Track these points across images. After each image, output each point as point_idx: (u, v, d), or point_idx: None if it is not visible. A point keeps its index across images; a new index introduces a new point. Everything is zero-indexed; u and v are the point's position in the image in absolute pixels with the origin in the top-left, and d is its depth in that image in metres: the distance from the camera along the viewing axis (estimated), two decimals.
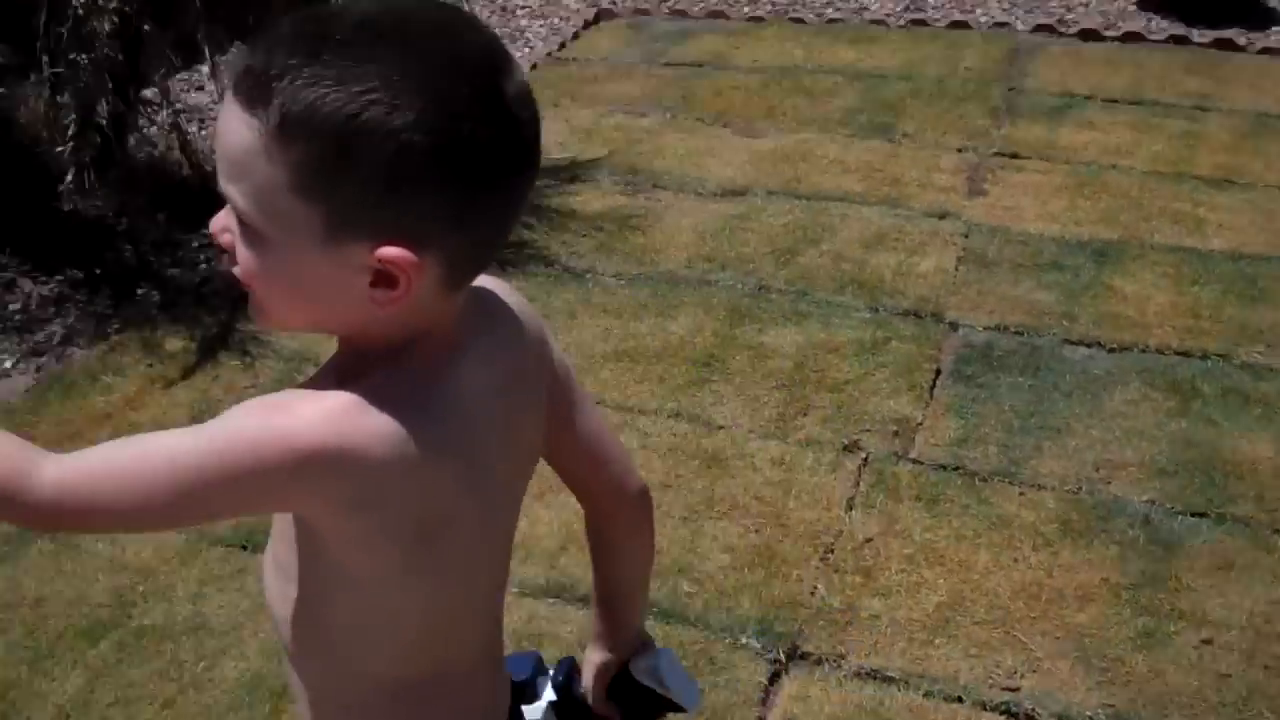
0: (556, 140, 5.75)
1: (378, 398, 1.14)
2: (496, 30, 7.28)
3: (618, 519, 1.57)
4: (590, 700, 1.67)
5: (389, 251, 1.11)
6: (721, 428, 3.75)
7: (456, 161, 1.09)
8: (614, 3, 7.73)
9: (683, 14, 7.53)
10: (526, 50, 7.08)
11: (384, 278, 1.12)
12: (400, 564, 1.22)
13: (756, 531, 3.33)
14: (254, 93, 1.07)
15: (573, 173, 5.43)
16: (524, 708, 1.63)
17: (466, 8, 6.97)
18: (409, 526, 1.20)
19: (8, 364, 4.20)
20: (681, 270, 4.62)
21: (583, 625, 3.03)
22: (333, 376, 1.19)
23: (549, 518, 3.38)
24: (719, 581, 3.16)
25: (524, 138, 1.14)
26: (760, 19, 7.41)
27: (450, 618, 1.33)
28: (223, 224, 1.17)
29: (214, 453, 1.12)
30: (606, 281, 4.57)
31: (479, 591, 1.38)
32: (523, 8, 7.74)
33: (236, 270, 1.17)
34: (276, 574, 1.31)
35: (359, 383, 1.15)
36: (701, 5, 7.63)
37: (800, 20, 7.36)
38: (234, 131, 1.09)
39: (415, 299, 1.14)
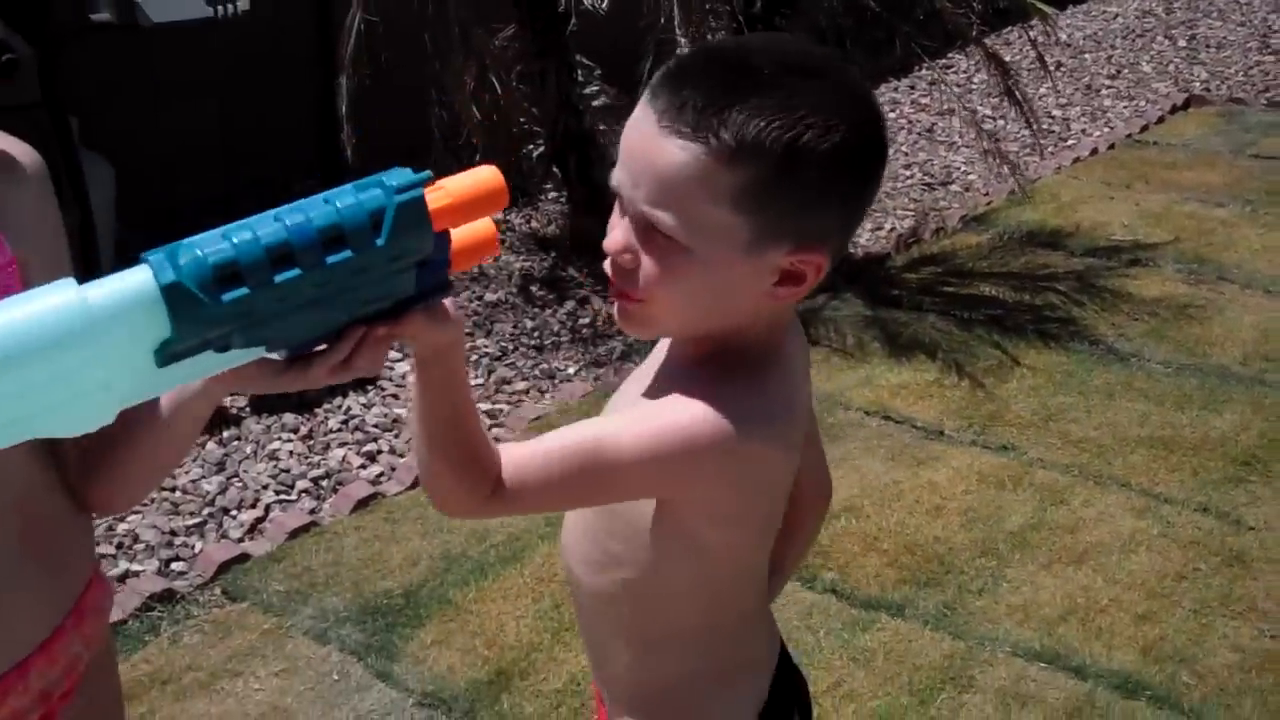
0: (1121, 222, 5.68)
1: (771, 400, 1.34)
2: (1076, 108, 7.28)
3: (809, 505, 1.72)
4: None
5: (805, 254, 1.29)
6: (1252, 529, 3.61)
7: (862, 173, 1.29)
8: (1208, 90, 7.51)
9: None
10: (1106, 130, 7.01)
11: (790, 277, 1.30)
12: (752, 536, 1.46)
13: (1272, 638, 3.19)
14: (698, 123, 1.24)
15: (1134, 255, 5.35)
16: None
17: (1049, 84, 7.02)
18: (767, 507, 1.42)
19: (570, 370, 4.63)
20: (1235, 366, 4.47)
21: (1071, 692, 3.03)
22: (732, 379, 1.34)
23: (1053, 587, 3.39)
24: (1222, 679, 3.06)
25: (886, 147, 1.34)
26: None
27: (762, 567, 1.54)
28: (624, 244, 1.32)
29: (651, 444, 1.30)
30: (1152, 367, 4.48)
31: None
32: (1109, 88, 7.66)
33: (632, 288, 1.33)
34: (601, 567, 1.51)
35: (753, 383, 1.34)
36: None
37: None
38: (670, 157, 1.25)
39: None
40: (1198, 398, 4.27)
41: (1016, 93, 5.26)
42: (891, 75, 7.02)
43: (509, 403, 4.41)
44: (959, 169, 6.54)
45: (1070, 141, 6.88)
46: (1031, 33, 7.37)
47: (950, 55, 7.65)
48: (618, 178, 1.32)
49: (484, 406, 4.34)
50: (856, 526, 3.68)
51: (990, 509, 3.74)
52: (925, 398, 4.34)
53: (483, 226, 1.25)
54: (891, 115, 6.90)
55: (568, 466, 1.32)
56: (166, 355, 1.07)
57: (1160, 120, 7.14)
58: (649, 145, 1.28)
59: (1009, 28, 7.29)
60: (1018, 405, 4.27)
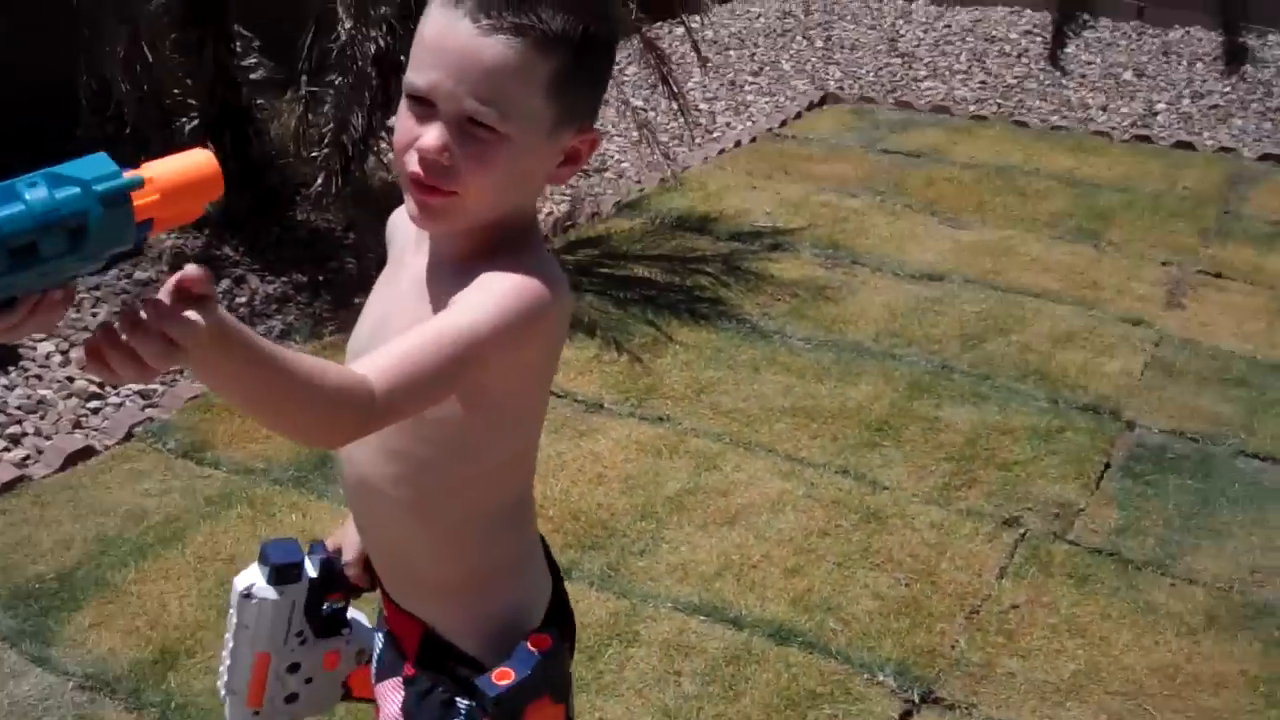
0: (764, 209, 5.97)
1: (556, 264, 1.54)
2: (722, 102, 7.59)
3: None
4: (351, 572, 1.94)
5: (588, 135, 1.52)
6: (886, 489, 3.88)
7: (613, 60, 1.55)
8: (841, 88, 7.96)
9: (908, 105, 7.71)
10: (749, 124, 7.33)
11: (571, 157, 1.51)
12: (538, 402, 1.64)
13: (906, 585, 3.45)
14: (517, 20, 1.39)
15: (775, 241, 5.63)
16: (288, 586, 1.92)
17: (696, 78, 7.27)
18: (551, 369, 1.62)
19: None
20: (868, 342, 4.77)
21: (729, 641, 3.20)
22: (526, 251, 1.51)
23: (708, 546, 3.57)
24: (864, 624, 3.29)
25: None
26: (984, 118, 7.54)
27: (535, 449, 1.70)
28: (442, 144, 1.44)
29: (500, 315, 1.43)
30: (794, 344, 4.75)
31: None
32: (752, 84, 8.01)
33: (447, 183, 1.45)
34: (407, 479, 1.62)
35: (542, 252, 1.53)
36: (927, 100, 7.80)
37: (1023, 124, 7.46)
38: (494, 52, 1.40)
39: None
40: (835, 371, 4.54)
41: (671, 82, 5.46)
42: None
43: (161, 382, 4.30)
44: (613, 157, 6.72)
45: (716, 134, 7.17)
46: (680, 29, 7.64)
47: None
48: (430, 80, 1.42)
49: (135, 387, 4.22)
50: None
51: (649, 476, 3.89)
52: (585, 373, 4.47)
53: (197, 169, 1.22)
54: None
55: (434, 361, 1.40)
56: None
57: (799, 116, 7.52)
58: (469, 45, 1.40)
59: (659, 23, 7.53)
60: (672, 379, 4.45)
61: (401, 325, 1.51)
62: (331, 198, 5.51)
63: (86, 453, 3.89)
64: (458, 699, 1.68)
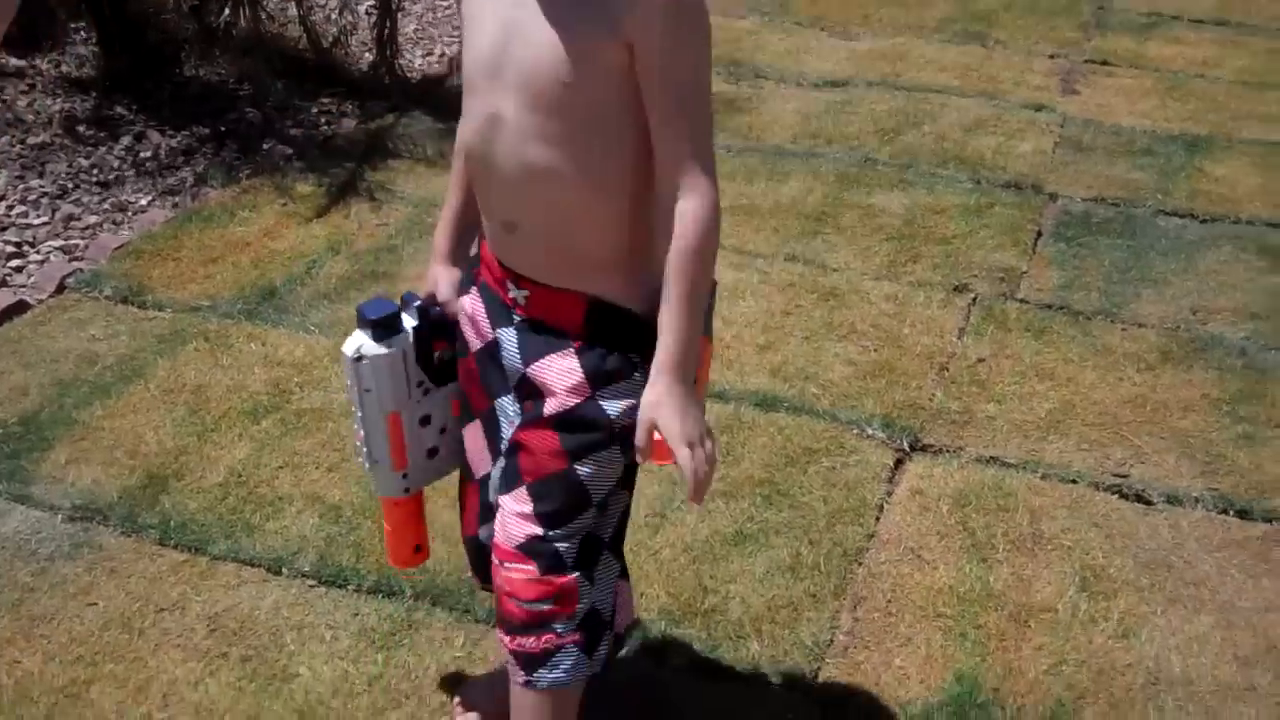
0: None
1: None
2: None
3: None
4: (451, 311, 2.03)
5: None
6: (836, 270, 3.94)
7: None
8: None
9: None
10: None
11: None
12: None
13: (875, 351, 3.53)
14: None
15: None
16: (393, 338, 1.98)
17: None
18: None
19: (143, 201, 4.42)
20: (788, 145, 4.81)
21: (720, 413, 3.24)
22: None
23: None
24: (843, 387, 3.36)
25: None
26: None
27: None
28: None
29: (704, 54, 1.74)
30: (717, 153, 4.75)
31: None
32: None
33: None
34: (573, 145, 1.73)
35: None
36: None
37: None
38: None
39: None
40: (763, 172, 4.58)
41: None
42: None
43: (82, 238, 4.17)
44: None
45: None
46: None
47: None
48: None
49: (56, 243, 4.09)
50: None
51: None
52: None
53: None
54: None
55: (701, 125, 1.75)
56: None
57: None
58: None
59: None
60: None
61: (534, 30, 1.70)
62: (218, 50, 5.36)
63: (20, 307, 3.76)
64: (631, 354, 1.80)
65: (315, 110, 5.13)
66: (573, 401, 1.83)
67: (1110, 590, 2.70)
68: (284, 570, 2.78)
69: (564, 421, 1.84)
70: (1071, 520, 2.89)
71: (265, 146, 4.79)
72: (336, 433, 3.21)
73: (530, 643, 1.91)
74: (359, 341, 1.99)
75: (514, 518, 1.89)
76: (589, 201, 1.76)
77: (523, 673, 1.94)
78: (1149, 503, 2.96)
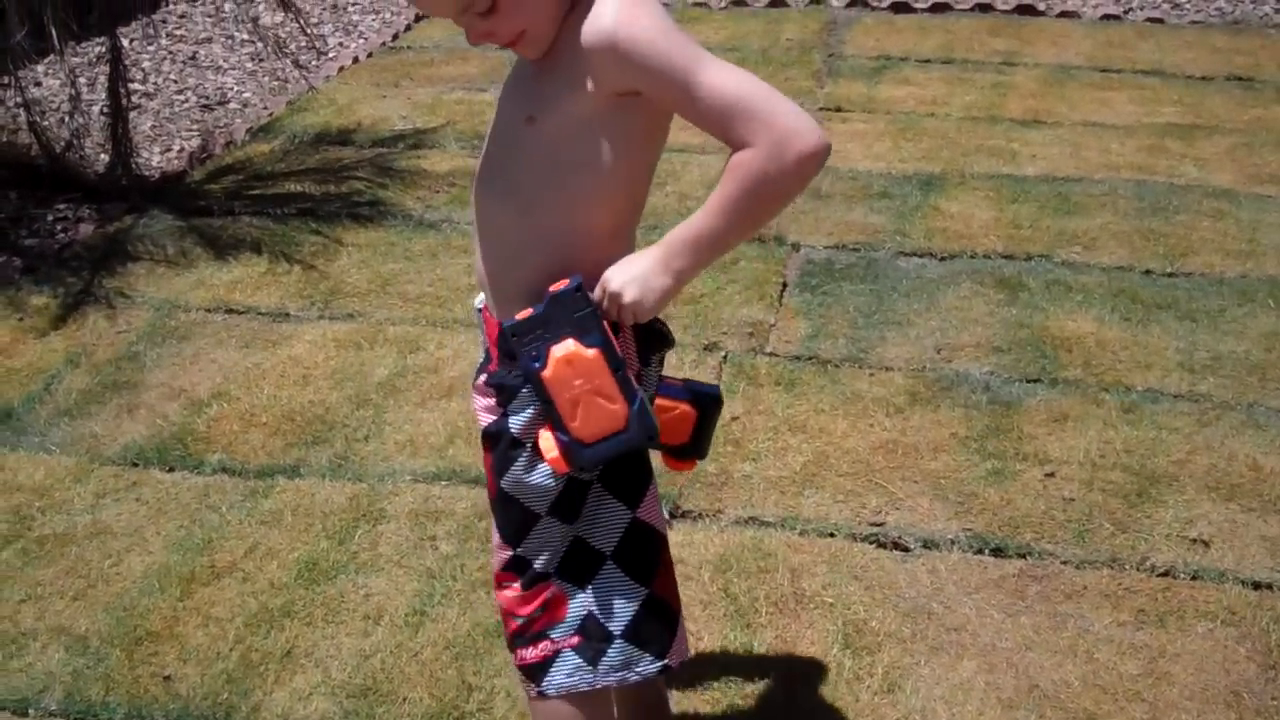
0: (399, 114, 5.92)
1: None
2: (329, 25, 7.45)
3: None
4: None
5: None
6: None
7: None
8: None
9: None
10: (361, 42, 7.23)
11: None
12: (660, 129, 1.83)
13: None
14: None
15: (418, 140, 5.60)
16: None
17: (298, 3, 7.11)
18: None
19: None
20: None
21: (475, 499, 3.21)
22: None
23: (433, 419, 3.55)
24: None
25: None
26: None
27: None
28: (466, 4, 1.76)
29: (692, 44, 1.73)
30: (464, 228, 4.74)
31: None
32: (354, 4, 7.89)
33: (508, 31, 1.77)
34: (513, 193, 1.83)
35: None
36: None
37: None
38: None
39: None
40: None
41: (290, 3, 5.33)
42: (139, 12, 6.81)
43: None
44: (232, 89, 6.50)
45: (331, 55, 7.03)
46: None
47: None
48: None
49: None
50: (230, 409, 3.65)
51: (355, 368, 3.84)
52: (262, 287, 4.35)
53: None
54: (150, 49, 6.73)
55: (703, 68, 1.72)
56: None
57: (408, 28, 7.45)
58: None
59: None
60: (352, 279, 4.38)
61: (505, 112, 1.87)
62: None
63: None
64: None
65: (51, 218, 4.96)
66: (488, 420, 1.91)
67: (874, 644, 2.74)
68: (30, 710, 2.65)
69: (486, 440, 1.92)
70: (831, 575, 2.93)
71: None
72: (81, 557, 3.09)
73: (530, 653, 1.95)
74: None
75: (495, 544, 1.98)
76: (520, 236, 1.83)
77: (532, 685, 1.97)
78: (906, 549, 3.03)
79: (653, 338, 1.91)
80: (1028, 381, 3.67)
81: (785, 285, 4.26)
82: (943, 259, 4.42)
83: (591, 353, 1.74)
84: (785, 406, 3.58)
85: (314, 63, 6.75)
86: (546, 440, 1.78)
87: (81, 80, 6.21)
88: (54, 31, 4.97)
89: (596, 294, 1.78)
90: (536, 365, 1.75)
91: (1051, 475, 3.24)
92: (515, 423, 1.86)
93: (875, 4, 7.40)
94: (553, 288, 1.77)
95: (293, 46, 6.72)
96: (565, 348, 1.74)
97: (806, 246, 4.52)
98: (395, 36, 7.27)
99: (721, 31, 7.03)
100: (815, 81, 6.20)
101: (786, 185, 1.72)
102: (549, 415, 1.77)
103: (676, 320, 4.01)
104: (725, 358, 3.82)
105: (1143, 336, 3.90)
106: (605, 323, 1.77)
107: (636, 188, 1.85)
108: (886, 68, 6.39)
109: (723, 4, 7.60)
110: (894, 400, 3.60)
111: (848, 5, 7.43)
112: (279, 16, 5.38)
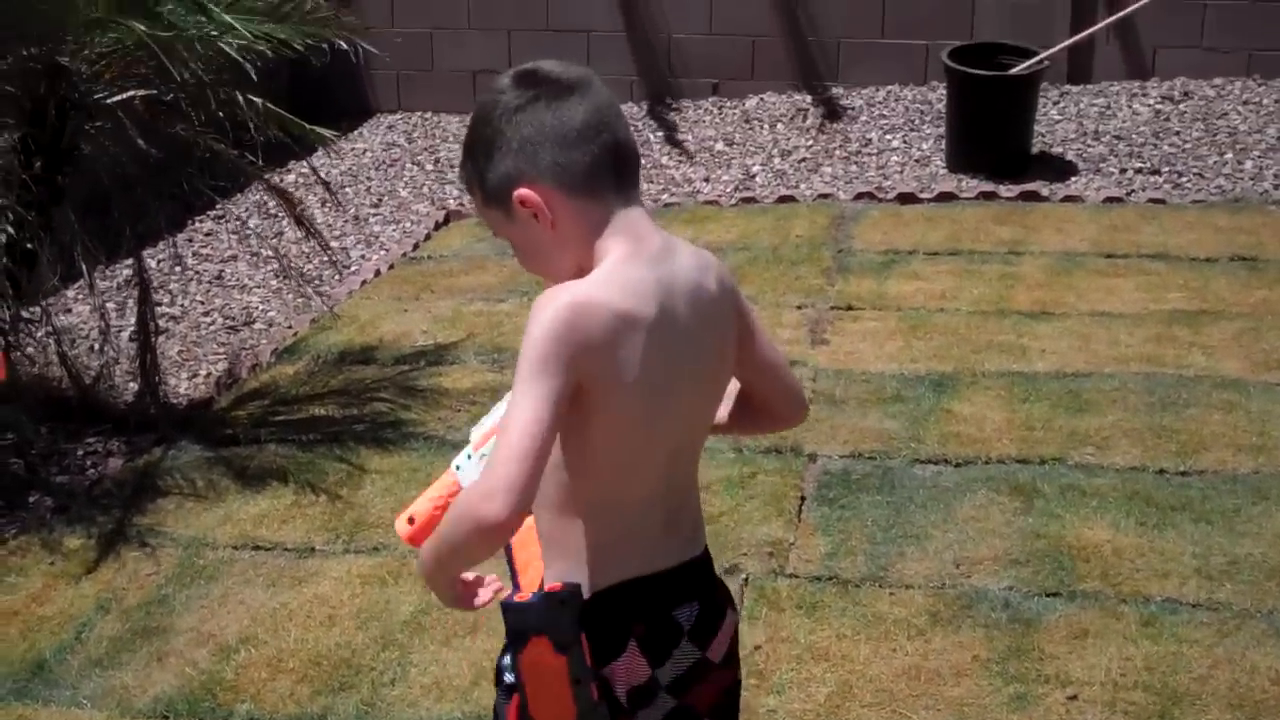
0: (420, 329, 6.05)
1: (603, 282, 1.88)
2: (350, 237, 7.64)
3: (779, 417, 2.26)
4: None
5: (519, 189, 1.90)
6: None
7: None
8: (461, 205, 8.13)
9: None
10: (383, 253, 7.41)
11: (533, 210, 1.90)
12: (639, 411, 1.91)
13: None
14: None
15: (439, 356, 5.72)
16: None
17: (321, 218, 7.29)
18: (613, 378, 1.87)
19: None
20: None
21: None
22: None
23: (458, 660, 3.59)
24: None
25: None
26: None
27: (638, 458, 1.95)
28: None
29: (540, 375, 1.78)
30: None
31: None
32: (375, 215, 8.09)
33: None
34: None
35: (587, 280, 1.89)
36: None
37: None
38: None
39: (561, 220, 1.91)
40: None
41: (306, 223, 5.50)
42: (165, 231, 7.01)
43: None
44: (257, 308, 6.67)
45: (353, 268, 7.20)
46: (290, 175, 7.69)
47: (221, 205, 7.77)
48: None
49: None
50: (258, 654, 3.70)
51: (380, 606, 3.89)
52: (288, 520, 4.43)
53: None
54: (176, 270, 6.92)
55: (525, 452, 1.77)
56: None
57: (428, 237, 7.63)
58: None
59: (276, 169, 7.51)
60: (377, 508, 4.46)
61: None
62: None
63: None
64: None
65: (81, 453, 5.07)
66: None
67: None
68: None
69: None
70: None
71: (30, 500, 4.70)
72: None
73: None
74: None
75: None
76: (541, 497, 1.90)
77: None
78: None
79: (662, 638, 1.97)
80: (1047, 595, 3.71)
81: (804, 499, 4.32)
82: (957, 465, 4.48)
83: (558, 660, 1.86)
84: (808, 633, 3.61)
85: (335, 277, 6.92)
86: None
87: (109, 304, 6.37)
88: (83, 265, 5.17)
89: None
90: (516, 647, 1.90)
91: (1074, 698, 3.26)
92: (504, 660, 1.99)
93: (882, 195, 7.57)
94: (549, 586, 1.91)
95: (315, 262, 6.90)
96: (539, 646, 1.87)
97: (823, 456, 4.58)
98: (415, 246, 7.45)
99: (732, 230, 7.19)
100: (825, 279, 6.33)
101: (456, 533, 1.83)
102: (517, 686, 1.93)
103: None
104: (746, 581, 3.87)
105: (1159, 542, 3.93)
106: (583, 635, 1.88)
107: (598, 464, 1.94)
108: (895, 262, 6.52)
109: (733, 201, 7.78)
110: (915, 621, 3.62)
111: (855, 198, 7.60)
112: (301, 231, 5.53)
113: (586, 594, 1.93)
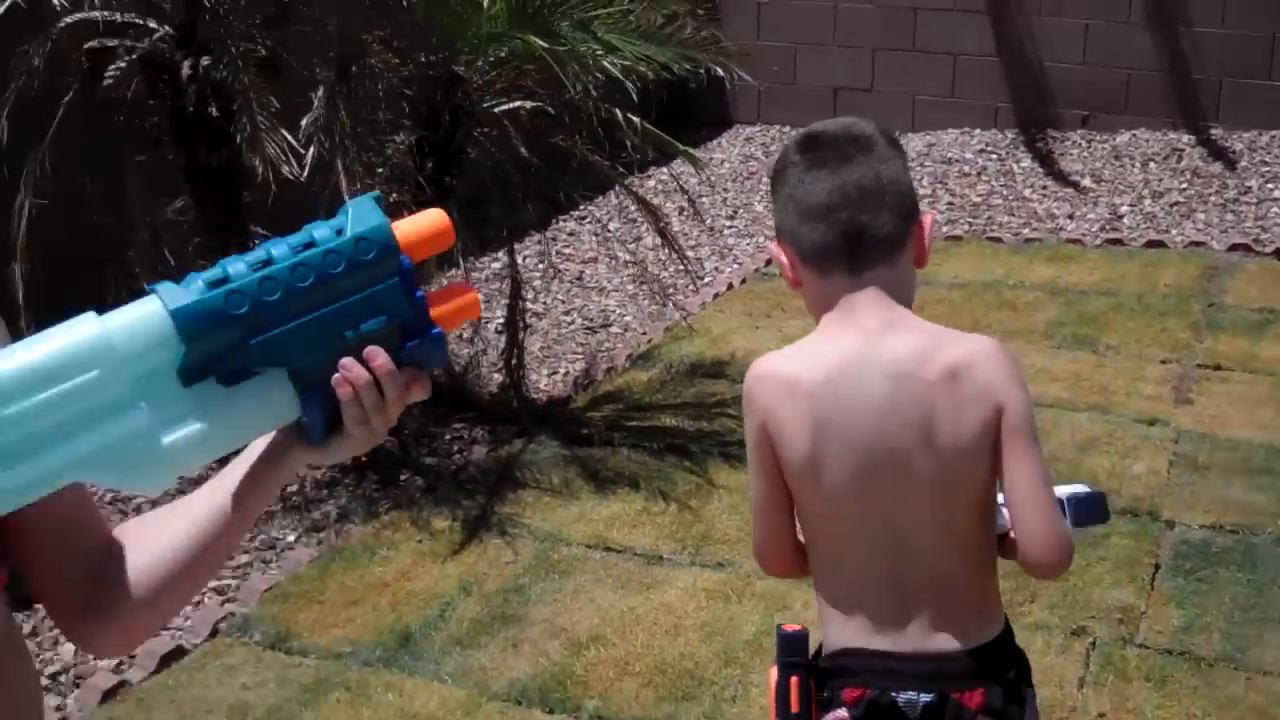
0: (770, 348, 6.13)
1: (793, 353, 2.14)
2: (706, 248, 7.81)
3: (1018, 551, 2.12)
4: None
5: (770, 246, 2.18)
6: None
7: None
8: None
9: None
10: (736, 266, 7.55)
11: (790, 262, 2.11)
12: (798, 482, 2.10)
13: None
14: None
15: None
16: None
17: (679, 228, 7.48)
18: (784, 450, 2.09)
19: (290, 538, 4.65)
20: None
21: None
22: None
23: None
24: None
25: None
26: (959, 238, 7.78)
27: (832, 525, 2.11)
28: None
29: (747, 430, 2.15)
30: None
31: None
32: (730, 227, 8.25)
33: None
34: None
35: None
36: None
37: (997, 239, 7.70)
38: None
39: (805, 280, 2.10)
40: None
41: (669, 236, 5.68)
42: (532, 229, 7.34)
43: (234, 577, 4.38)
44: (614, 312, 6.90)
45: (707, 279, 7.37)
46: (650, 182, 7.89)
47: (583, 206, 8.07)
48: None
49: (212, 583, 4.30)
50: (607, 654, 3.86)
51: (723, 622, 4.00)
52: (638, 525, 4.59)
53: (462, 294, 1.47)
54: (540, 266, 7.23)
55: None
56: (188, 367, 1.25)
57: None
58: None
59: (638, 174, 7.76)
60: (723, 524, 4.57)
61: None
62: None
63: (178, 652, 3.95)
64: None
65: (448, 437, 5.36)
66: None
67: None
68: None
69: None
70: None
71: (402, 478, 5.01)
72: None
73: None
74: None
75: None
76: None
77: None
78: None
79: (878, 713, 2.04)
80: None
81: (1158, 567, 4.21)
82: None
83: (773, 683, 2.09)
84: (1155, 707, 3.53)
85: (690, 288, 7.10)
86: None
87: (480, 296, 6.71)
88: (459, 260, 5.49)
89: None
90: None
91: None
92: None
93: (1259, 249, 7.25)
94: (789, 626, 2.12)
95: (671, 270, 7.08)
96: (771, 676, 2.10)
97: (1181, 524, 4.45)
98: (768, 262, 7.55)
99: (1096, 272, 7.02)
100: (1194, 334, 6.12)
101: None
102: None
103: (1043, 597, 4.02)
104: (1093, 644, 3.80)
105: None
106: (794, 676, 2.06)
107: (802, 520, 2.14)
108: (1271, 322, 6.24)
109: (1098, 241, 7.59)
110: (1271, 711, 3.50)
111: (1229, 249, 7.30)
112: (662, 241, 5.71)
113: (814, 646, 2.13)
